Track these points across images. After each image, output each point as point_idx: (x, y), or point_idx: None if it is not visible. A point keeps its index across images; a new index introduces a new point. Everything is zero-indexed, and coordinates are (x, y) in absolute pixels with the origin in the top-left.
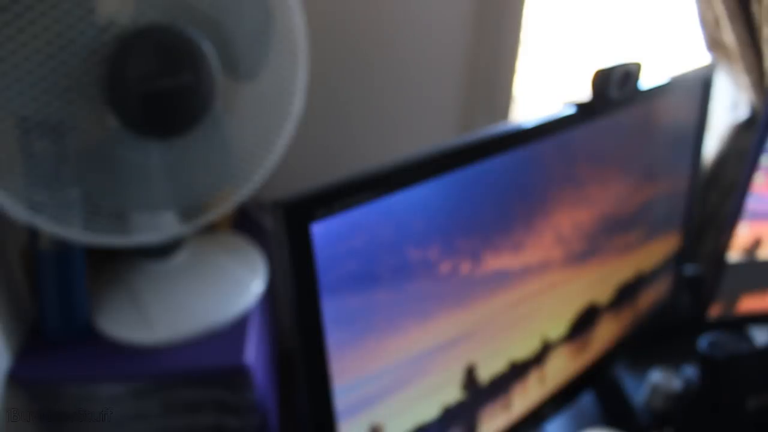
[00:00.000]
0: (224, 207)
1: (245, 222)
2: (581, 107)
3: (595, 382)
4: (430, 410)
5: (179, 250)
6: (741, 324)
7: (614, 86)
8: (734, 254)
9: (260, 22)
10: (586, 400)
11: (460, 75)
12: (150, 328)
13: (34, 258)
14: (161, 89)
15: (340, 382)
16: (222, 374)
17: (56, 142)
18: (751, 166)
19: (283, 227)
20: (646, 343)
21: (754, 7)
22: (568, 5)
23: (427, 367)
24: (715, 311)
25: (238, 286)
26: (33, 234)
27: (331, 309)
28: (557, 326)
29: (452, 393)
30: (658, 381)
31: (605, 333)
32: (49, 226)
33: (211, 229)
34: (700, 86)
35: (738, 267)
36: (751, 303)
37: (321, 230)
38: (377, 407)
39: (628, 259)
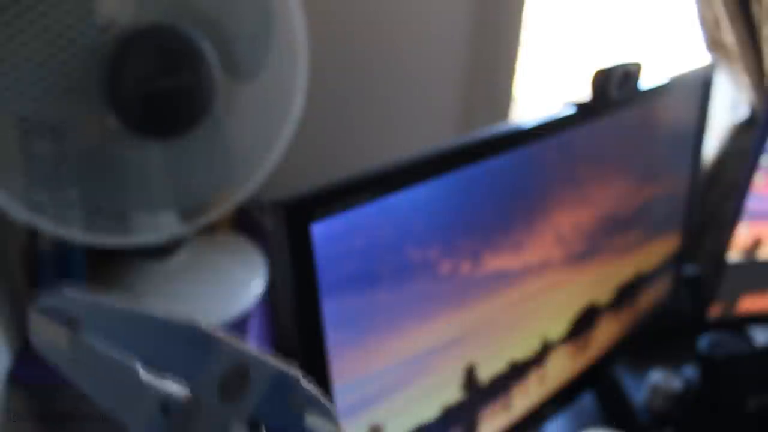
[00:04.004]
0: (224, 207)
1: (245, 222)
2: (581, 107)
3: (595, 382)
4: (430, 410)
5: (179, 250)
6: (741, 324)
7: (614, 86)
8: (734, 254)
9: (260, 22)
10: (586, 400)
11: (460, 75)
12: None
13: (34, 258)
14: (161, 89)
15: (340, 382)
16: None
17: (56, 142)
18: (751, 166)
19: (283, 227)
20: (646, 343)
21: (754, 7)
22: (568, 5)
23: (427, 367)
24: (715, 311)
25: (238, 286)
26: (33, 234)
27: (331, 309)
28: (557, 326)
29: (452, 393)
30: (658, 381)
31: (605, 333)
32: (49, 226)
33: (211, 229)
34: (700, 86)
35: (738, 267)
36: (751, 303)
37: (321, 230)
38: (377, 407)
39: (628, 260)
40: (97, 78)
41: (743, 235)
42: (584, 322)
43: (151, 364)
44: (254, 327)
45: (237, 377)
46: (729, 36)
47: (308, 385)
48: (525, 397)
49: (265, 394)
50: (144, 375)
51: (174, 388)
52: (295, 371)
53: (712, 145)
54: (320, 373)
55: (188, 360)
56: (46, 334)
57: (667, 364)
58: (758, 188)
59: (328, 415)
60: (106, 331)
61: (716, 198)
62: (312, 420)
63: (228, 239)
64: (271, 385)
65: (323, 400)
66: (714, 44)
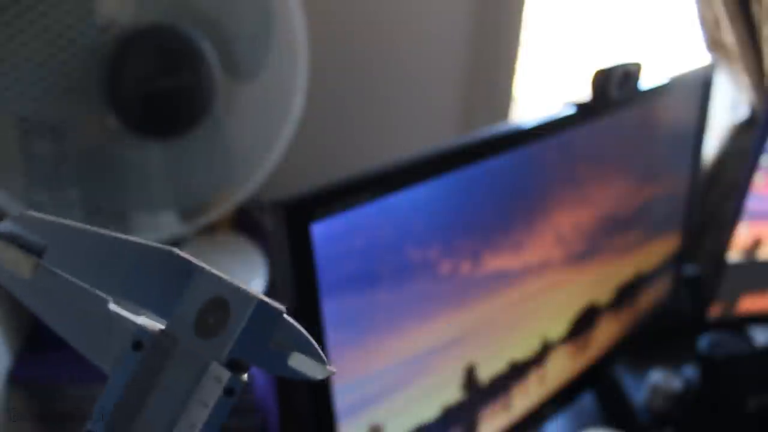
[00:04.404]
0: (224, 207)
1: (245, 222)
2: (581, 107)
3: (595, 382)
4: (430, 410)
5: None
6: (741, 324)
7: (614, 86)
8: (734, 254)
9: (260, 22)
10: (586, 400)
11: (460, 75)
12: None
13: None
14: (161, 89)
15: (340, 382)
16: None
17: (56, 142)
18: (751, 166)
19: (283, 227)
20: (646, 343)
21: (754, 7)
22: (568, 5)
23: (427, 367)
24: (715, 311)
25: None
26: None
27: (331, 309)
28: (557, 326)
29: (452, 393)
30: (658, 381)
31: (605, 333)
32: None
33: (211, 229)
34: (700, 86)
35: (738, 267)
36: (751, 303)
37: (321, 230)
38: (377, 407)
39: (628, 259)
40: (97, 78)
41: (743, 235)
42: (584, 322)
43: (122, 296)
44: None
45: (216, 310)
46: (729, 36)
47: (293, 321)
48: (525, 397)
49: (246, 330)
50: (114, 307)
51: (147, 321)
52: (278, 304)
53: (712, 145)
54: None
55: (163, 291)
56: (7, 261)
57: (667, 364)
58: (758, 188)
59: (314, 354)
60: (73, 259)
61: (716, 198)
62: (296, 359)
63: (228, 239)
64: (252, 320)
65: (309, 337)
66: (714, 44)
